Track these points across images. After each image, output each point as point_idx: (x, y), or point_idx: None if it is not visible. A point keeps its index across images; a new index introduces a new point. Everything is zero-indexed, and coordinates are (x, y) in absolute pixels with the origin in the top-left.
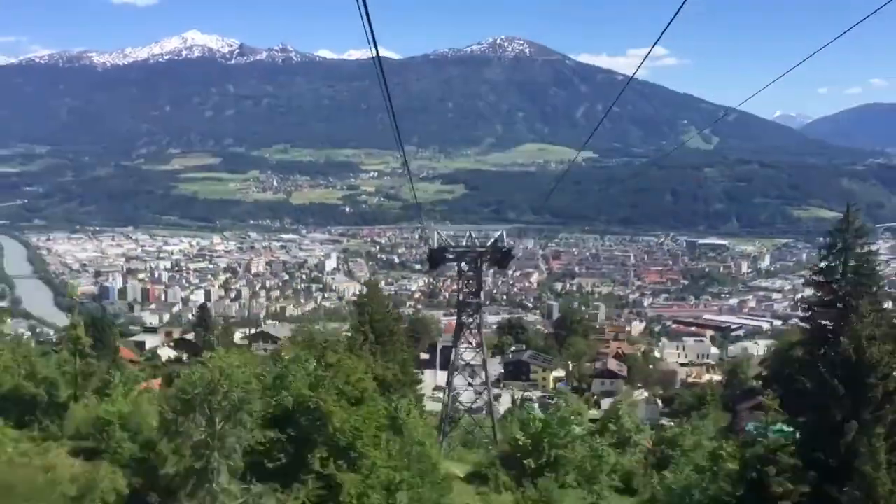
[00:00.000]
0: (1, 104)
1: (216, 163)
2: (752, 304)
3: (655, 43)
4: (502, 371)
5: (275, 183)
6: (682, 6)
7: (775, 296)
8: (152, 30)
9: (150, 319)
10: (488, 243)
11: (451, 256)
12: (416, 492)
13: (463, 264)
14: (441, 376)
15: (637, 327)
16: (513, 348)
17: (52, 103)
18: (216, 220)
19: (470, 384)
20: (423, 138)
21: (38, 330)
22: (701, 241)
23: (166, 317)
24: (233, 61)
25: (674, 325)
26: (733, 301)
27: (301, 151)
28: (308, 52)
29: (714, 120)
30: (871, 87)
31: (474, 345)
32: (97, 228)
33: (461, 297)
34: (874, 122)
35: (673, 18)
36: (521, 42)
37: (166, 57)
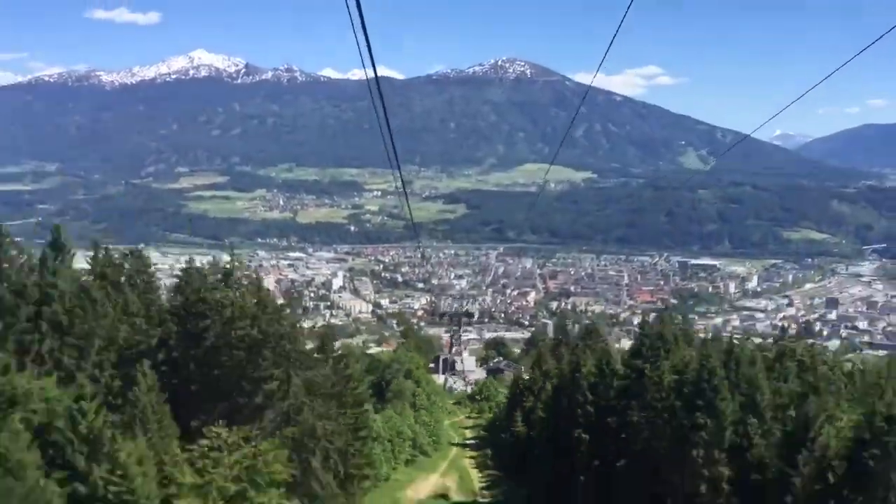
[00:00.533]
0: (11, 122)
1: (224, 181)
2: (736, 322)
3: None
4: (486, 375)
5: (281, 202)
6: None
7: (759, 315)
8: (157, 48)
9: None
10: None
11: (447, 315)
12: (438, 400)
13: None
14: (442, 378)
15: (627, 344)
16: (495, 359)
17: (61, 121)
18: (225, 238)
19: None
20: (426, 158)
21: None
22: (693, 261)
23: None
24: (239, 81)
25: None
26: (718, 320)
27: (306, 170)
28: (312, 72)
29: (712, 141)
30: (869, 107)
31: (460, 352)
32: (111, 246)
33: (452, 332)
34: (871, 142)
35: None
36: (522, 63)
37: (174, 76)
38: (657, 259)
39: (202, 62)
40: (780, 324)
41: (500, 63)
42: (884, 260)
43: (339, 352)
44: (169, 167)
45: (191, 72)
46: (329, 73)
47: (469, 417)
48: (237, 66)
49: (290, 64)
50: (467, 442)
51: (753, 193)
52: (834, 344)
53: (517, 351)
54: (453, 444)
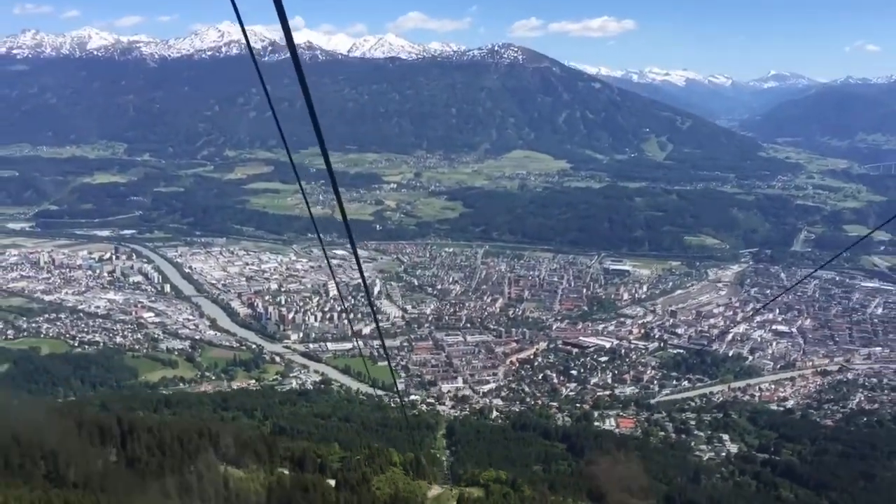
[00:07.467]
0: (73, 100)
1: (269, 172)
2: (611, 328)
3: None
4: None
5: (320, 197)
6: None
7: (628, 321)
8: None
9: (293, 336)
10: None
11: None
12: None
13: None
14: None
15: (542, 346)
16: None
17: (118, 100)
18: (284, 233)
19: None
20: (431, 143)
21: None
22: (613, 266)
23: (301, 335)
24: (266, 58)
25: (560, 345)
26: (601, 326)
27: (332, 155)
28: (331, 50)
29: (672, 128)
30: (865, 52)
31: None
32: (206, 241)
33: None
34: (846, 105)
35: None
36: (516, 49)
37: (208, 53)
38: (593, 261)
39: (231, 38)
40: (634, 329)
41: (496, 48)
42: (751, 263)
43: None
44: (218, 150)
45: (223, 48)
46: (340, 39)
47: None
48: (263, 41)
49: (311, 41)
50: None
51: (676, 202)
52: (654, 345)
53: None
54: None
